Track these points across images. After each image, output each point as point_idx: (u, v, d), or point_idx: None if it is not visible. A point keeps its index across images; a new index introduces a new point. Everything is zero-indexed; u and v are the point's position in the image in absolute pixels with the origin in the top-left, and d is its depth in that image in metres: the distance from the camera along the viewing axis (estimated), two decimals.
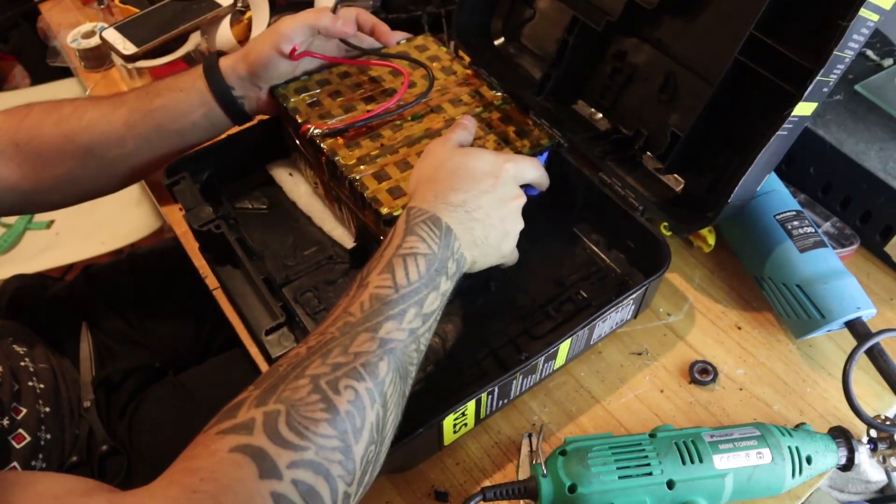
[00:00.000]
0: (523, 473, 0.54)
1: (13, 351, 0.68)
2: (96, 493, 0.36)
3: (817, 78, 0.49)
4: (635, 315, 0.61)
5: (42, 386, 0.67)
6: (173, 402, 0.72)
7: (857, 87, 0.69)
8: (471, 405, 0.51)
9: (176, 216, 0.75)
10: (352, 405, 0.39)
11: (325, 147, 0.62)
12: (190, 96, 0.65)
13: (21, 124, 0.63)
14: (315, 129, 0.63)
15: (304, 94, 0.67)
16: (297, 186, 0.73)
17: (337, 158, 0.61)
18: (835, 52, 0.48)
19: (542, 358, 0.53)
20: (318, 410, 0.38)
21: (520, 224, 0.55)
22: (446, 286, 0.47)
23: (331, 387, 0.39)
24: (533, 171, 0.57)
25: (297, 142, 0.69)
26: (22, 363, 0.67)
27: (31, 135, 0.63)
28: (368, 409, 0.40)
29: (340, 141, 0.63)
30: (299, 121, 0.64)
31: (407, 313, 0.44)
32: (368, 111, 0.65)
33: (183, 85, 0.65)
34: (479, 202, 0.51)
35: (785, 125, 0.52)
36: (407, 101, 0.65)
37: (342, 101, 0.67)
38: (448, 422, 0.51)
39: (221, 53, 0.67)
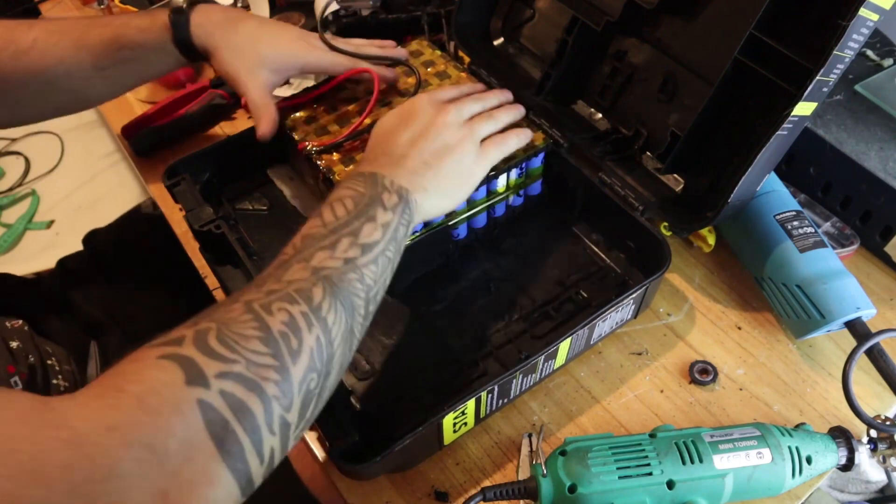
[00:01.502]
0: (523, 473, 0.54)
1: (44, 348, 0.68)
2: (18, 393, 0.35)
3: (817, 78, 0.49)
4: (635, 315, 0.61)
5: (66, 384, 0.68)
6: None
7: (857, 87, 0.69)
8: (470, 404, 0.51)
9: (176, 216, 0.75)
10: (286, 326, 0.38)
11: (321, 164, 0.63)
12: (160, 56, 0.65)
13: None
14: (311, 146, 0.64)
15: (301, 112, 0.68)
16: (297, 190, 0.73)
17: (333, 176, 0.62)
18: (834, 52, 0.48)
19: (542, 357, 0.53)
20: (250, 328, 0.37)
21: (473, 151, 0.54)
22: (386, 217, 0.47)
23: (264, 308, 0.39)
24: (476, 106, 0.57)
25: (296, 156, 0.69)
26: (49, 361, 0.67)
27: None
28: (305, 331, 0.39)
29: (336, 157, 0.64)
30: (296, 139, 0.65)
31: (340, 243, 0.44)
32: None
33: (152, 43, 0.64)
34: (406, 150, 0.52)
35: (785, 125, 0.52)
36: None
37: (337, 116, 0.67)
38: (448, 421, 0.51)
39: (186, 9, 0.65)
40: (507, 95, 0.64)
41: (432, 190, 0.51)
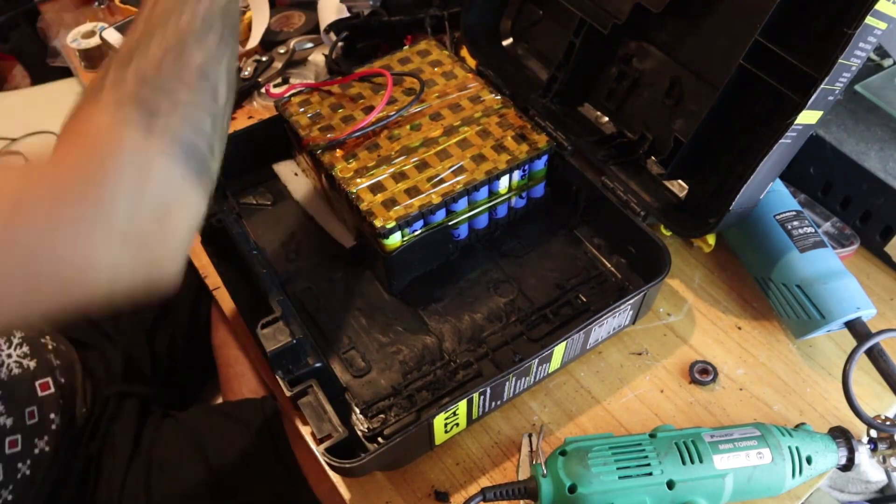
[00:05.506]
0: (523, 473, 0.54)
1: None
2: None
3: (822, 86, 0.49)
4: (633, 321, 0.61)
5: (58, 362, 0.68)
6: (181, 446, 0.70)
7: (857, 87, 0.69)
8: (462, 405, 0.51)
9: None
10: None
11: (323, 161, 0.63)
12: None
13: None
14: (315, 142, 0.64)
15: (306, 108, 0.68)
16: (301, 186, 0.74)
17: (334, 172, 0.62)
18: (840, 61, 0.48)
19: (536, 360, 0.53)
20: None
21: None
22: None
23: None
24: None
25: (300, 152, 0.69)
26: (42, 340, 0.68)
27: None
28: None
29: (339, 153, 0.64)
30: (301, 134, 0.66)
31: None
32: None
33: None
34: None
35: (788, 133, 0.52)
36: (403, 106, 0.66)
37: (343, 114, 0.67)
38: (439, 421, 0.51)
39: None
40: None
41: None
